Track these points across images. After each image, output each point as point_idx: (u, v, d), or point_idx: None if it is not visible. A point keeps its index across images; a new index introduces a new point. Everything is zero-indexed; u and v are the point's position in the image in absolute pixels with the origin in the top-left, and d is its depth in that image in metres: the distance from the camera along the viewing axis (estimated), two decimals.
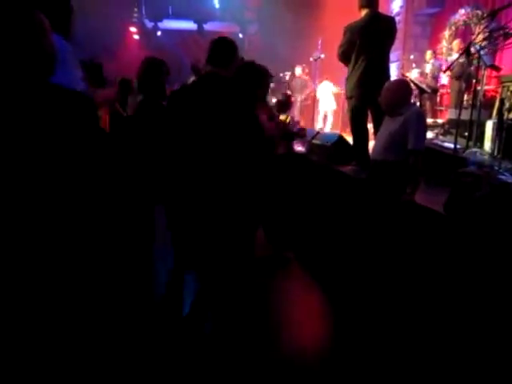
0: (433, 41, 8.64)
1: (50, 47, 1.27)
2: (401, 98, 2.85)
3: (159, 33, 12.61)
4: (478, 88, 4.82)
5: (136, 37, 12.12)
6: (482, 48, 4.05)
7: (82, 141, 1.29)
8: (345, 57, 3.74)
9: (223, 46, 2.26)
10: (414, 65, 7.65)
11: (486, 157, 4.28)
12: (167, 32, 12.59)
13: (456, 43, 6.97)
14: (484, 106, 5.47)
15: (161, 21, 12.38)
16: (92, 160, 1.29)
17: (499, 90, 5.49)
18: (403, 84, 3.05)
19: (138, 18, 12.01)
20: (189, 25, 12.48)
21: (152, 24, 12.52)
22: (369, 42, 3.50)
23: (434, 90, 6.76)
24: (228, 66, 2.22)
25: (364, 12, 3.57)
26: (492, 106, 5.74)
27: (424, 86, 4.68)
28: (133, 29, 12.04)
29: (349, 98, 3.74)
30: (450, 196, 2.35)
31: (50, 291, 1.24)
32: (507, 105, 4.53)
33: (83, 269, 1.31)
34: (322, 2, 10.80)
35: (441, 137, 5.81)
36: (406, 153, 2.70)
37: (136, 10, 11.73)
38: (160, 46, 11.68)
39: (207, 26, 12.40)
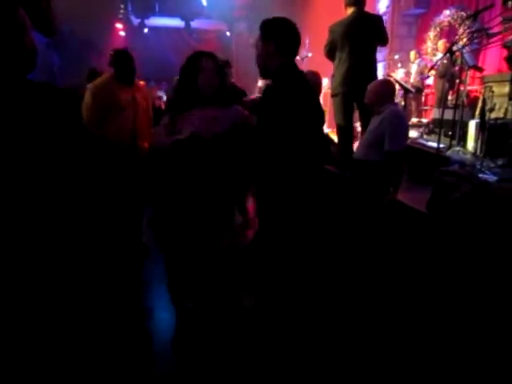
0: (418, 41, 8.74)
1: (31, 43, 1.26)
2: (381, 97, 2.91)
3: (146, 30, 12.50)
4: (462, 88, 4.90)
5: (122, 33, 11.98)
6: (463, 47, 4.11)
7: (62, 138, 1.27)
8: (331, 55, 3.79)
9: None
10: (399, 65, 7.72)
11: (469, 156, 4.35)
12: (154, 29, 12.50)
13: (441, 43, 7.06)
14: (467, 105, 5.57)
15: (147, 18, 12.27)
16: (72, 157, 1.28)
17: (482, 90, 5.60)
18: (384, 84, 3.09)
19: (124, 15, 11.87)
20: (176, 22, 12.39)
21: (138, 21, 12.40)
22: (352, 41, 3.52)
23: (419, 90, 6.85)
24: None
25: (350, 10, 3.60)
26: (475, 105, 5.84)
27: (409, 86, 4.75)
28: (119, 25, 11.90)
29: (333, 96, 3.77)
30: (432, 195, 2.39)
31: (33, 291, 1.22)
32: (489, 105, 4.62)
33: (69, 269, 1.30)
34: (310, 1, 10.85)
35: (425, 136, 5.89)
36: (384, 152, 2.74)
37: (122, 6, 11.59)
38: (147, 43, 11.60)
39: (194, 24, 12.34)
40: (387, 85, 3.07)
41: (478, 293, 1.98)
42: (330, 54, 3.76)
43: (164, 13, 12.10)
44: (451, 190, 2.22)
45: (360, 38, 3.51)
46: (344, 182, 3.27)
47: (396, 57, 7.95)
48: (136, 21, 12.50)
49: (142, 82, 3.39)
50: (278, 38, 1.86)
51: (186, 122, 1.97)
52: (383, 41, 3.72)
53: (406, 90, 4.34)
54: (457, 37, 4.62)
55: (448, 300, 2.10)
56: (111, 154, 2.87)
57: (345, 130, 3.76)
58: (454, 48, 3.73)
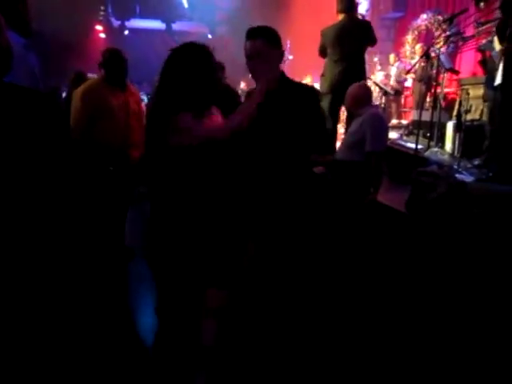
0: (397, 44, 8.92)
1: (6, 43, 1.24)
2: (359, 100, 2.99)
3: (126, 32, 12.39)
4: (439, 91, 5.02)
5: (102, 35, 11.85)
6: (440, 51, 4.22)
7: (38, 139, 1.26)
8: (324, 56, 4.03)
9: None
10: (379, 67, 7.86)
11: (446, 156, 4.46)
12: (135, 31, 12.39)
13: (419, 47, 7.22)
14: (445, 107, 5.71)
15: (128, 20, 12.17)
16: (48, 156, 1.26)
17: (458, 92, 5.75)
18: (361, 88, 3.16)
19: (104, 17, 11.75)
20: (157, 24, 12.33)
21: (119, 23, 12.28)
22: (343, 45, 3.76)
23: (398, 92, 6.97)
24: None
25: (340, 16, 3.86)
26: (452, 107, 6.00)
27: (388, 89, 4.84)
28: (99, 27, 11.77)
29: (323, 94, 3.91)
30: (411, 195, 2.44)
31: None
32: (465, 107, 4.74)
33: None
34: (291, 4, 10.94)
35: (405, 137, 6.01)
36: (365, 153, 2.80)
37: (102, 8, 11.46)
38: (127, 45, 11.49)
39: (176, 26, 12.29)
40: (364, 89, 3.17)
41: (456, 290, 2.03)
42: (323, 55, 4.04)
43: (145, 15, 12.02)
44: (428, 190, 2.27)
45: (350, 41, 3.75)
46: (326, 183, 3.31)
47: (375, 59, 8.08)
48: (116, 23, 12.39)
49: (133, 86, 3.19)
50: (280, 44, 1.90)
51: (212, 121, 1.79)
52: (372, 41, 3.98)
53: (385, 93, 4.41)
54: (434, 40, 4.73)
55: (427, 297, 2.15)
56: (94, 160, 2.81)
57: (329, 130, 3.87)
58: (431, 51, 3.83)
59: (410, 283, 2.25)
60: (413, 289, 2.22)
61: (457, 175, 3.41)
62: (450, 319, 1.96)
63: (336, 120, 3.97)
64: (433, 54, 4.16)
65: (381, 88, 4.44)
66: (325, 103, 3.84)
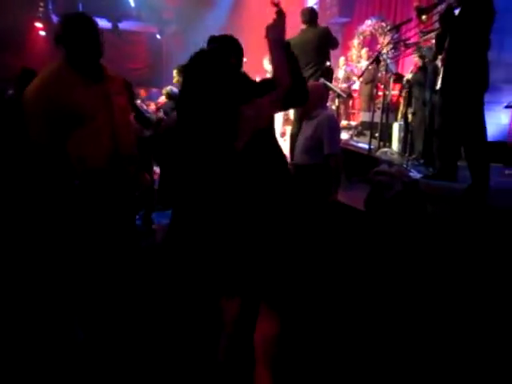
0: (344, 48, 9.26)
1: None
2: (312, 101, 2.86)
3: None
4: (387, 93, 5.30)
5: (42, 33, 11.21)
6: (388, 56, 4.48)
7: None
8: None
9: None
10: None
11: (396, 156, 4.73)
12: None
13: (365, 51, 7.58)
14: (390, 109, 6.05)
15: None
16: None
17: (403, 95, 6.11)
18: (315, 88, 3.10)
19: (44, 14, 11.12)
20: (102, 23, 11.87)
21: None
22: (305, 54, 4.11)
23: (349, 95, 7.24)
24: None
25: (303, 27, 4.32)
26: (397, 109, 6.36)
27: (339, 91, 5.05)
28: (38, 24, 11.13)
29: None
30: (369, 194, 2.57)
31: None
32: (411, 109, 5.07)
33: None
34: (239, 5, 11.02)
35: (355, 138, 6.28)
36: (323, 156, 2.84)
37: (42, 4, 10.85)
38: None
39: (123, 25, 11.92)
40: (318, 90, 3.10)
41: (409, 282, 2.16)
42: None
43: (88, 13, 11.52)
44: (386, 189, 2.41)
45: (313, 49, 4.17)
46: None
47: (328, 63, 8.34)
48: (57, 20, 11.78)
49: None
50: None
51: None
52: (334, 45, 4.40)
53: (338, 95, 4.61)
54: (380, 46, 5.00)
55: (385, 290, 2.27)
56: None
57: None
58: (381, 56, 4.05)
59: (375, 277, 2.37)
60: (379, 283, 2.34)
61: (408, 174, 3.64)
62: (409, 314, 2.09)
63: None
64: (381, 59, 4.40)
65: (334, 91, 4.62)
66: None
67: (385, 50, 4.61)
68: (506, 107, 5.54)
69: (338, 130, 3.09)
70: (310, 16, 4.27)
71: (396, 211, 2.36)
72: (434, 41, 4.92)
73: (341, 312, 2.44)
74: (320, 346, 2.14)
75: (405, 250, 2.22)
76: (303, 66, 4.16)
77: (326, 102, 3.28)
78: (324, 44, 4.27)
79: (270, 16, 1.63)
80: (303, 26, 4.35)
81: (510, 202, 2.91)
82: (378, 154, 4.59)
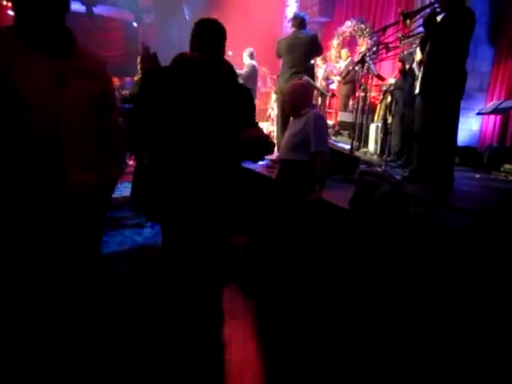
0: (324, 47, 9.35)
1: None
2: (300, 99, 2.96)
3: None
4: (367, 94, 5.39)
5: (12, 13, 10.66)
6: (370, 57, 4.56)
7: None
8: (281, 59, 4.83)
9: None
10: None
11: (375, 157, 4.83)
12: None
13: (344, 52, 7.67)
14: (368, 110, 6.17)
15: None
16: None
17: (380, 97, 6.24)
18: (303, 86, 3.13)
19: None
20: (75, 6, 11.43)
21: None
22: (291, 55, 4.58)
23: (333, 94, 7.31)
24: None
25: (292, 29, 4.78)
26: (374, 111, 6.50)
27: (322, 89, 5.12)
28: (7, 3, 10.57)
29: (276, 93, 4.77)
30: (356, 193, 2.60)
31: None
32: (389, 111, 5.19)
33: None
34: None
35: (333, 137, 6.36)
36: (310, 153, 2.86)
37: None
38: None
39: (97, 10, 11.51)
40: (305, 88, 3.13)
41: (394, 280, 2.21)
42: (279, 58, 4.88)
43: None
44: (373, 189, 2.45)
45: (299, 51, 4.57)
46: (269, 183, 3.39)
47: (311, 62, 8.39)
48: None
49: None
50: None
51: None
52: (318, 52, 4.89)
53: (322, 94, 4.66)
54: (364, 48, 5.10)
55: (372, 289, 2.32)
56: None
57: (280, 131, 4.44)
58: (365, 58, 4.12)
59: (360, 276, 2.41)
60: (364, 281, 2.38)
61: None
62: (392, 314, 2.14)
63: (284, 125, 4.39)
64: (366, 60, 4.48)
65: (318, 89, 4.66)
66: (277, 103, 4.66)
67: (367, 52, 4.69)
68: (478, 114, 5.78)
69: (325, 128, 3.10)
70: (302, 23, 4.78)
71: (383, 211, 2.40)
72: (414, 45, 5.07)
73: (323, 309, 2.47)
74: (303, 343, 2.16)
75: (389, 246, 2.27)
76: (290, 66, 4.61)
77: (312, 99, 3.28)
78: (311, 50, 4.68)
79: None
80: (293, 29, 4.83)
81: (475, 204, 3.06)
82: (357, 154, 4.67)
